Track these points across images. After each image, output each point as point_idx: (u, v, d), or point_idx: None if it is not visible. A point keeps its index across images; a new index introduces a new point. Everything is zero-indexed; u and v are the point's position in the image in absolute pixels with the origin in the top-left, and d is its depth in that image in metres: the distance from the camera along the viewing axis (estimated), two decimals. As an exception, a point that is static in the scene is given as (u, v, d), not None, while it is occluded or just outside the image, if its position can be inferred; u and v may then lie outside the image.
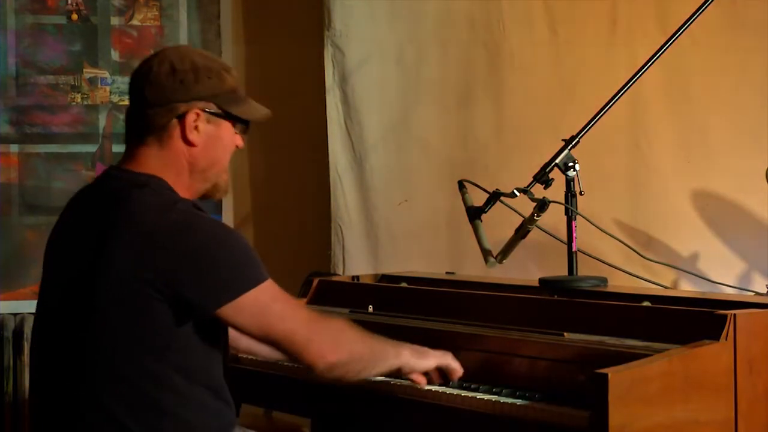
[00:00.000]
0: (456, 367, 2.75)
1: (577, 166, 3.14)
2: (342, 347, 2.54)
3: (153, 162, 2.54)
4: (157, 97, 2.52)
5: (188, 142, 2.53)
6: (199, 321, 2.44)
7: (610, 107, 3.25)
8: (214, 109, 2.55)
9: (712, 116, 4.26)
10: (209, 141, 2.56)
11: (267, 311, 2.46)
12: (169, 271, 2.39)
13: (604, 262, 3.39)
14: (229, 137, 2.60)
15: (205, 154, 2.56)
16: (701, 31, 4.19)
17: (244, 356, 3.08)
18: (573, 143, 3.17)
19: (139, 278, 2.38)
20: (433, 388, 2.74)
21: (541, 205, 3.08)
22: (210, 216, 2.52)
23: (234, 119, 2.59)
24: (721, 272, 3.98)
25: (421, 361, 2.71)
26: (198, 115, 2.53)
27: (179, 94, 2.52)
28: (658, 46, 3.31)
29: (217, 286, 2.42)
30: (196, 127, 2.53)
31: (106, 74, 4.81)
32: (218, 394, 2.52)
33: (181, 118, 2.52)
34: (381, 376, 2.74)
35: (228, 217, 4.83)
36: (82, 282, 2.44)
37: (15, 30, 4.75)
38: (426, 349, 2.75)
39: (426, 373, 2.75)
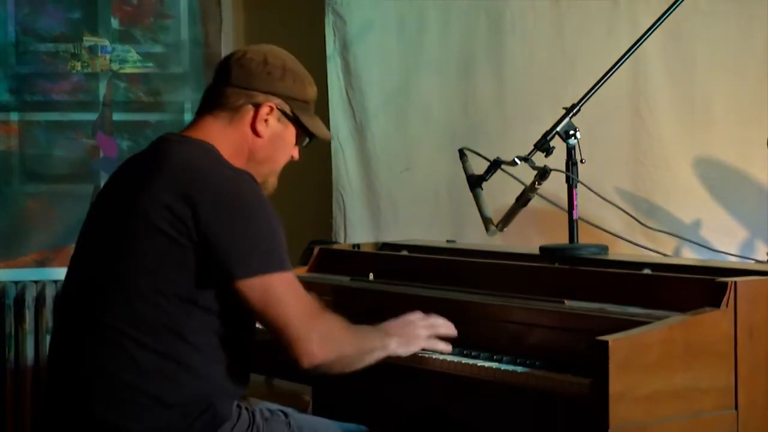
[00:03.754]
0: (442, 348, 2.74)
1: (578, 134, 3.14)
2: (330, 349, 2.55)
3: (216, 133, 2.62)
4: (241, 79, 2.64)
5: (255, 131, 2.65)
6: (219, 285, 2.48)
7: (611, 75, 3.25)
8: (287, 110, 2.67)
9: (713, 84, 4.25)
10: (273, 137, 2.67)
11: (276, 297, 2.49)
12: (204, 223, 2.44)
13: (605, 230, 3.39)
14: (291, 143, 2.72)
15: (266, 148, 2.67)
16: (703, -3, 4.19)
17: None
18: (574, 111, 3.16)
19: (175, 222, 2.44)
20: (434, 355, 2.74)
21: (542, 174, 3.08)
22: (260, 187, 2.58)
23: (301, 127, 2.71)
24: (723, 240, 3.98)
25: (408, 348, 2.72)
26: (272, 109, 2.65)
27: (262, 83, 2.64)
28: (660, 13, 3.30)
29: (240, 258, 2.46)
30: (266, 120, 2.65)
31: (106, 42, 4.79)
32: (238, 356, 2.57)
33: (257, 106, 2.64)
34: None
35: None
36: (121, 224, 2.50)
37: (14, -3, 4.74)
38: (414, 333, 2.74)
39: None
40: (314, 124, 2.75)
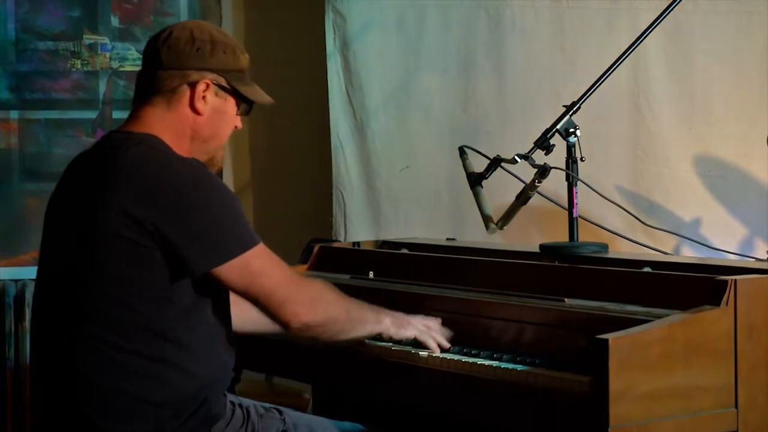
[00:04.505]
0: (432, 347, 2.77)
1: (578, 132, 3.13)
2: (318, 309, 2.59)
3: (156, 122, 2.59)
4: (171, 61, 2.60)
5: (194, 110, 2.60)
6: (194, 277, 2.48)
7: (611, 73, 3.24)
8: (223, 83, 2.63)
9: (713, 81, 4.25)
10: (214, 113, 2.63)
11: (256, 270, 2.51)
12: (165, 223, 2.43)
13: (605, 228, 3.39)
14: (232, 115, 2.68)
15: (209, 124, 2.63)
16: (703, -5, 4.19)
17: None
18: (574, 109, 3.16)
19: (134, 226, 2.43)
20: (434, 354, 2.74)
21: (542, 171, 3.08)
22: (211, 172, 2.58)
23: (240, 98, 2.67)
24: (723, 238, 3.98)
25: (401, 330, 2.77)
26: (208, 85, 2.61)
27: (194, 61, 2.60)
28: (660, 11, 3.29)
29: (212, 247, 2.47)
30: (204, 97, 2.61)
31: (105, 40, 4.79)
32: (220, 345, 2.58)
33: (192, 85, 2.60)
34: (361, 338, 2.78)
35: (228, 184, 4.82)
36: (82, 232, 2.48)
37: (14, -5, 4.75)
38: (408, 320, 2.79)
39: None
40: (252, 92, 2.70)
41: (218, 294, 2.58)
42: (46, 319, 2.57)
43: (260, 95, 2.72)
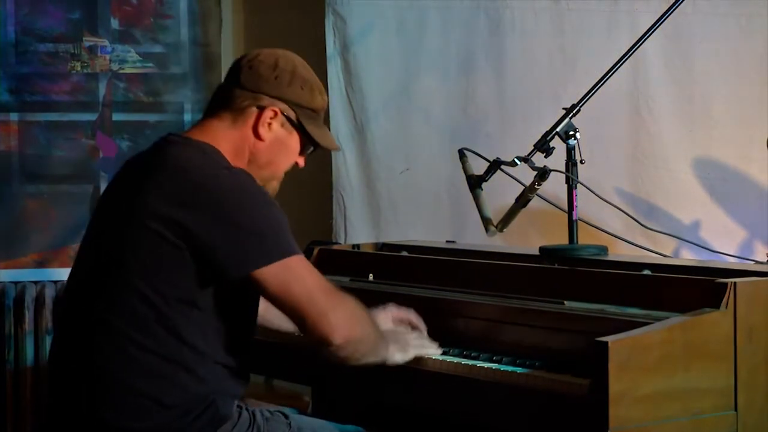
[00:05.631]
0: (433, 352, 2.77)
1: (578, 135, 3.13)
2: (356, 325, 2.55)
3: (218, 134, 2.62)
4: (248, 81, 2.63)
5: (257, 135, 2.63)
6: (224, 284, 2.48)
7: (611, 75, 3.24)
8: (292, 116, 2.65)
9: (713, 84, 4.25)
10: (276, 142, 2.65)
11: (297, 275, 2.49)
12: (204, 226, 2.44)
13: (604, 231, 3.39)
14: (294, 150, 2.70)
15: (268, 152, 2.65)
16: (703, -3, 4.19)
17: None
18: (574, 111, 3.16)
19: (172, 225, 2.44)
20: (434, 356, 2.74)
21: (542, 174, 3.08)
22: (258, 184, 2.57)
23: (306, 136, 2.68)
24: (722, 241, 3.97)
25: (404, 355, 2.74)
26: (276, 114, 2.63)
27: (269, 87, 2.63)
28: (660, 13, 3.29)
29: (253, 250, 2.46)
30: (269, 125, 2.63)
31: (105, 42, 4.79)
32: (237, 357, 2.57)
33: (261, 109, 2.62)
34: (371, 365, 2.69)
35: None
36: (120, 225, 2.50)
37: (14, -3, 4.75)
38: (406, 339, 2.77)
39: None
40: (320, 134, 2.71)
41: (245, 306, 2.58)
42: (72, 308, 2.59)
43: (327, 139, 2.74)
